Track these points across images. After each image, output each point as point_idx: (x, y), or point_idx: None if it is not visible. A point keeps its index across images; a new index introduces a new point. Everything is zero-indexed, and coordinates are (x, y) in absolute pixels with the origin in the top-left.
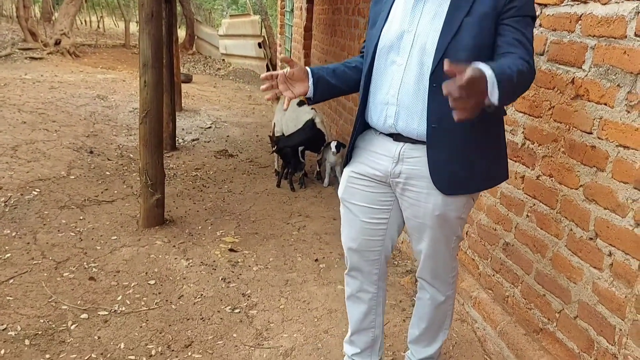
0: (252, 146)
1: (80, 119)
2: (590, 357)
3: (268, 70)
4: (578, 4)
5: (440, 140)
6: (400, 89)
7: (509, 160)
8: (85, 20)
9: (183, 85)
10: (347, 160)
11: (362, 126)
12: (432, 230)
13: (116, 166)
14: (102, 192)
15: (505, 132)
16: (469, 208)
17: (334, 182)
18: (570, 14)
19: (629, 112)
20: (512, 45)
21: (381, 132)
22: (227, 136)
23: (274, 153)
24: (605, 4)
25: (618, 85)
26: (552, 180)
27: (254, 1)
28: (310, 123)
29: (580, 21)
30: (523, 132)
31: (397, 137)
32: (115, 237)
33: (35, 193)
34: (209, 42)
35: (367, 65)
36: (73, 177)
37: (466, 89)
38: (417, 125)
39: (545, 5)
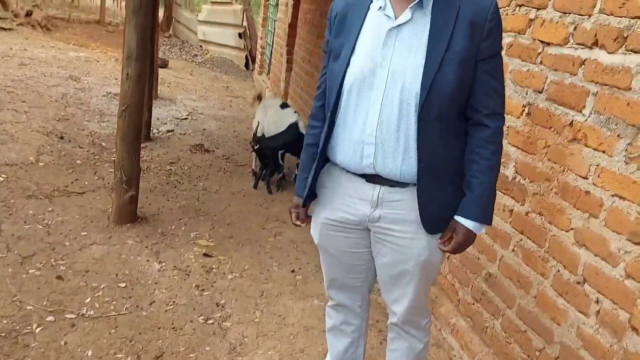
0: (229, 142)
1: (51, 100)
2: None
3: (247, 61)
4: (583, 48)
5: (428, 178)
6: (378, 126)
7: (497, 192)
8: None
9: (159, 71)
10: (307, 199)
11: (324, 162)
12: (415, 277)
13: (87, 155)
14: (72, 183)
15: None
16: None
17: None
18: (573, 56)
19: (627, 163)
20: (488, 96)
21: (350, 172)
22: (204, 129)
23: (253, 153)
24: (611, 52)
25: (619, 135)
26: (541, 218)
27: None
28: (294, 126)
29: (583, 65)
30: (515, 167)
31: (371, 178)
32: (85, 233)
33: (1, 179)
34: (187, 26)
35: (332, 102)
36: (42, 164)
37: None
38: (400, 164)
39: (548, 43)
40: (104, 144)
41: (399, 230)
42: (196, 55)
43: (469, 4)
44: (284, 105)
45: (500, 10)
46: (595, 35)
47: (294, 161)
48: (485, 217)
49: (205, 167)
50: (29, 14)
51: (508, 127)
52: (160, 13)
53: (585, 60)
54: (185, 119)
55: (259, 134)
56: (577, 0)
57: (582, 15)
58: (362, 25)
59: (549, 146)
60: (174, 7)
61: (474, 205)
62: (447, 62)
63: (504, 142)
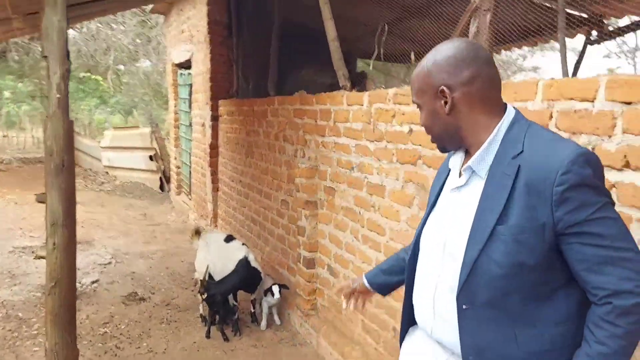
0: (165, 283)
1: None
2: None
3: (161, 183)
4: None
5: None
6: (435, 295)
7: None
8: None
9: None
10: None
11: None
12: None
13: (3, 333)
14: None
15: None
16: None
17: (271, 321)
18: None
19: None
20: (596, 273)
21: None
22: (133, 272)
23: (200, 297)
24: None
25: None
26: None
27: (142, 112)
28: (244, 262)
29: None
30: None
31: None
32: None
33: None
34: (88, 153)
35: (412, 252)
36: None
37: None
38: (455, 340)
39: None
40: (20, 314)
41: None
42: (103, 182)
43: (532, 163)
44: (229, 239)
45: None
46: None
47: (246, 297)
48: None
49: (145, 321)
50: None
51: None
52: None
53: None
54: (109, 263)
55: (200, 275)
56: None
57: None
58: (444, 183)
59: None
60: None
61: None
62: (498, 238)
63: None
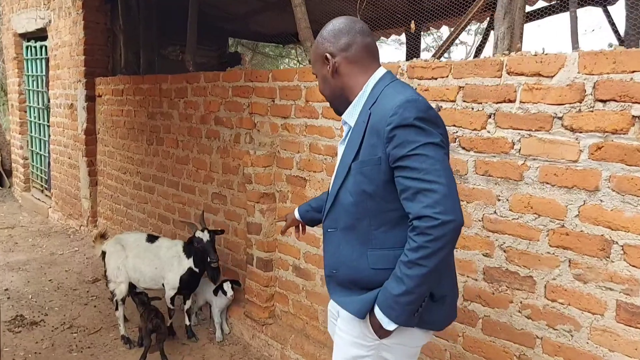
0: (56, 300)
1: None
2: None
3: (1, 177)
4: None
5: (335, 288)
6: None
7: (623, 325)
8: None
9: None
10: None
11: None
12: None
13: None
14: None
15: (614, 292)
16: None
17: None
18: None
19: None
20: (409, 201)
21: None
22: (6, 290)
23: (118, 312)
24: None
25: None
26: None
27: None
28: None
29: None
30: None
31: None
32: None
33: None
34: None
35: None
36: None
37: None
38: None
39: None
40: None
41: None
42: None
43: (377, 110)
44: (152, 238)
45: (566, 106)
46: None
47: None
48: (385, 306)
49: (48, 351)
50: None
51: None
52: None
53: None
54: None
55: (114, 284)
56: None
57: None
58: None
59: None
60: None
61: (382, 290)
62: (353, 172)
63: (623, 263)
